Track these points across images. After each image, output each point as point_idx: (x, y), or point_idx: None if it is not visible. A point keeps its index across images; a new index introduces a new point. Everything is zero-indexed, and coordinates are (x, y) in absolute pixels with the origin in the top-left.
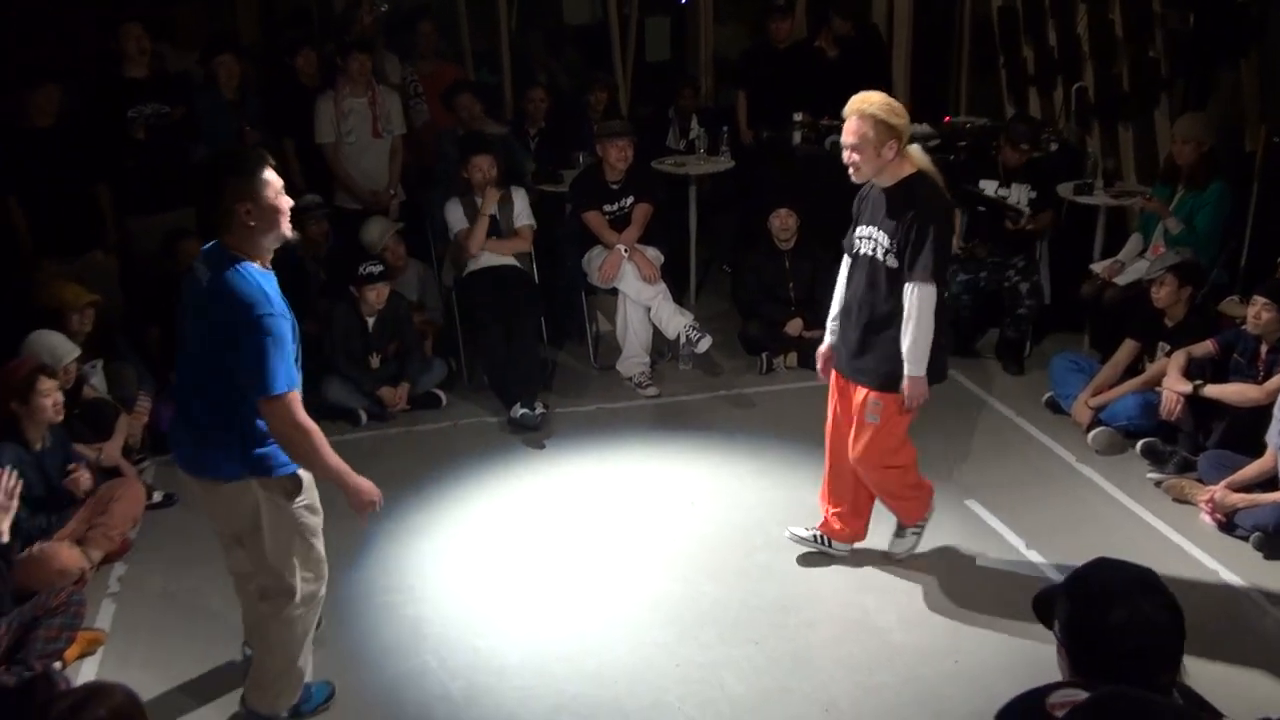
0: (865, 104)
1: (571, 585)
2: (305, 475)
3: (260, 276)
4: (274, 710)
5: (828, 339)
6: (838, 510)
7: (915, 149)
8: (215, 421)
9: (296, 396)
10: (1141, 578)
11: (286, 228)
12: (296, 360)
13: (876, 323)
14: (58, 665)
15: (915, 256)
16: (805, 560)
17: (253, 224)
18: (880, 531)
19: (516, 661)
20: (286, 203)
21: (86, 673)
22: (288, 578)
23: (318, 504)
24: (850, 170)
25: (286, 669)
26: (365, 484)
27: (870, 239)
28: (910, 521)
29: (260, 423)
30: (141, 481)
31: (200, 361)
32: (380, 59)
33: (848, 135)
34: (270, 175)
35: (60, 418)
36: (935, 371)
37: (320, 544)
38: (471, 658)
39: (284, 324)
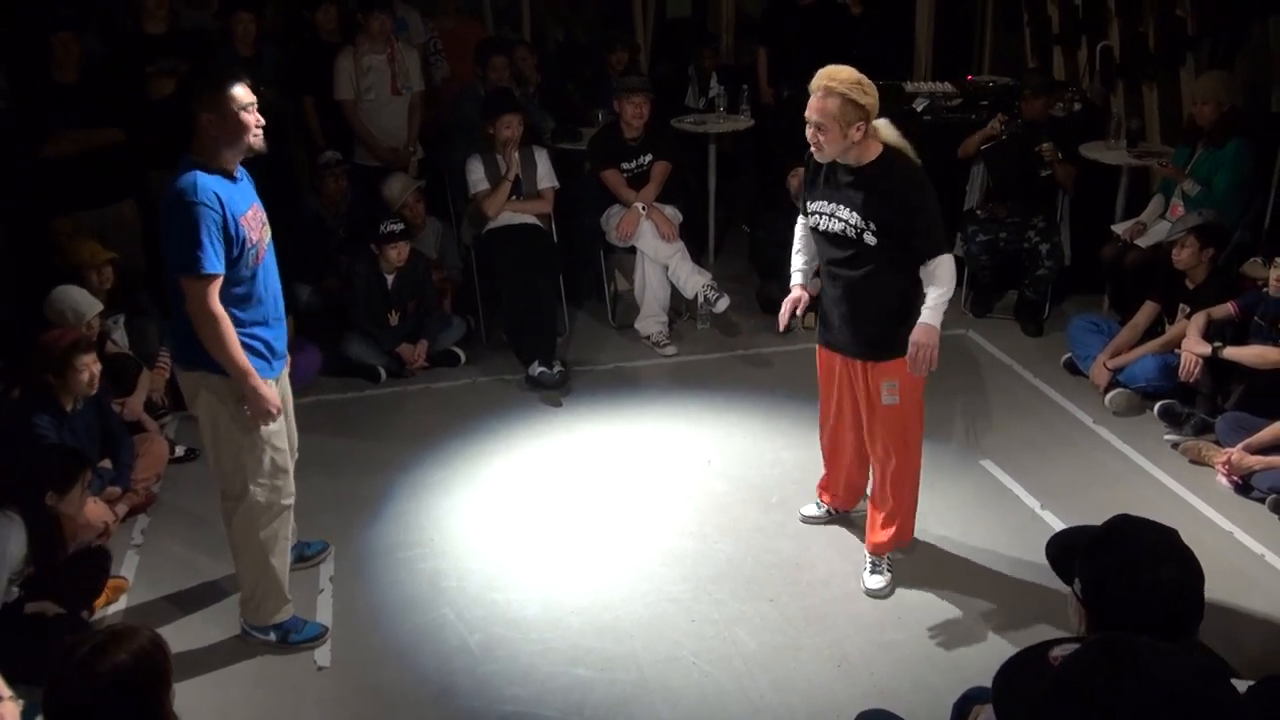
0: (832, 80)
1: (588, 541)
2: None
3: (207, 178)
4: (257, 620)
5: (795, 285)
6: (834, 491)
7: (883, 123)
8: (181, 311)
9: (217, 282)
10: (1167, 539)
11: (254, 140)
12: (244, 263)
13: (867, 297)
14: (85, 614)
15: (924, 236)
16: (818, 520)
17: (214, 134)
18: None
19: (533, 615)
20: (254, 120)
21: (110, 620)
22: (238, 480)
23: (273, 413)
24: (813, 149)
25: (258, 576)
26: (269, 392)
27: (835, 217)
28: (885, 548)
29: None
30: (164, 436)
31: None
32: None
33: (812, 113)
34: (239, 91)
35: (94, 390)
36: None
37: (279, 455)
38: (489, 611)
39: (213, 215)
